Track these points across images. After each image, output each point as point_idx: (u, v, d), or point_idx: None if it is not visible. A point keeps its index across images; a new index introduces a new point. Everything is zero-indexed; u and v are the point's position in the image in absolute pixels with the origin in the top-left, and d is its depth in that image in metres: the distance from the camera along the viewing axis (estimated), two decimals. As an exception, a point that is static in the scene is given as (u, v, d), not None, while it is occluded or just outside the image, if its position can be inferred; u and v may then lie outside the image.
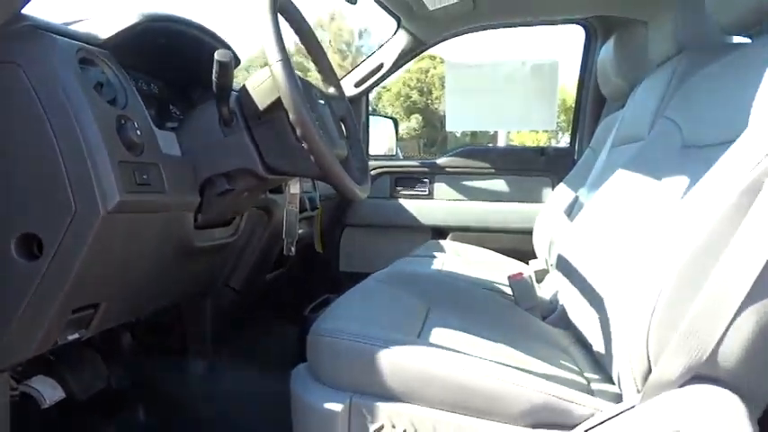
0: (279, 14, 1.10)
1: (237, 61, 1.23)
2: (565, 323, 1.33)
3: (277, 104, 1.02)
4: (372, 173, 2.49)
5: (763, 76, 0.85)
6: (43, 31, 0.87)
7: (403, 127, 26.40)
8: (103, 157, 0.85)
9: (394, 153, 2.81)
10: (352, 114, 1.36)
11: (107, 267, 0.94)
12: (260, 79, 1.05)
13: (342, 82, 2.40)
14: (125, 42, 1.02)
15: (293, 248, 1.36)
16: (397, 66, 2.34)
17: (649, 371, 0.78)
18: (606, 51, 1.96)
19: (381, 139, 2.76)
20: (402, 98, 27.11)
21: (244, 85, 1.08)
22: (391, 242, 2.49)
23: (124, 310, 1.10)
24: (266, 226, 1.50)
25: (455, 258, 1.94)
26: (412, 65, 26.00)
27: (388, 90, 28.08)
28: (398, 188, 2.51)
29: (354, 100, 2.43)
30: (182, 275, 1.23)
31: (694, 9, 1.34)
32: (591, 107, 2.32)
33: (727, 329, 0.70)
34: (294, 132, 1.01)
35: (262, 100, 1.06)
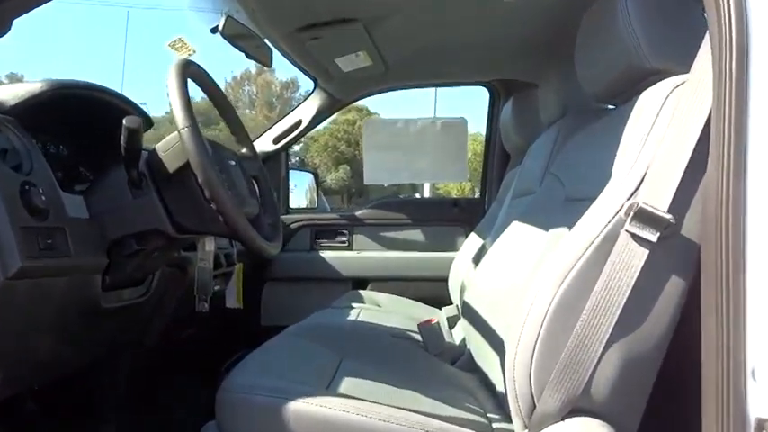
0: (190, 80, 1.16)
1: (150, 124, 1.27)
2: (472, 366, 1.39)
3: (186, 167, 1.06)
4: (293, 226, 2.53)
5: (620, 140, 0.98)
6: None
7: (331, 177, 26.61)
8: (4, 223, 0.86)
9: (315, 206, 2.87)
10: (265, 173, 1.41)
11: (4, 334, 0.93)
12: (170, 143, 1.09)
13: (262, 138, 2.49)
14: (32, 109, 1.04)
15: (206, 305, 1.37)
16: (314, 123, 2.43)
17: (534, 406, 0.85)
18: (506, 112, 2.13)
19: (302, 192, 2.82)
20: (330, 149, 27.43)
21: (154, 149, 1.12)
22: (312, 294, 2.51)
23: (25, 377, 1.08)
24: (180, 283, 1.50)
25: (372, 308, 1.99)
26: (339, 116, 26.47)
27: (315, 141, 28.33)
28: (319, 240, 2.56)
29: (274, 156, 2.49)
30: (90, 337, 1.21)
31: (574, 76, 1.50)
32: (497, 161, 2.48)
33: (597, 363, 0.78)
34: (203, 193, 1.05)
35: (171, 163, 1.10)
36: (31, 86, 1.04)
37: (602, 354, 0.78)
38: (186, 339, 1.75)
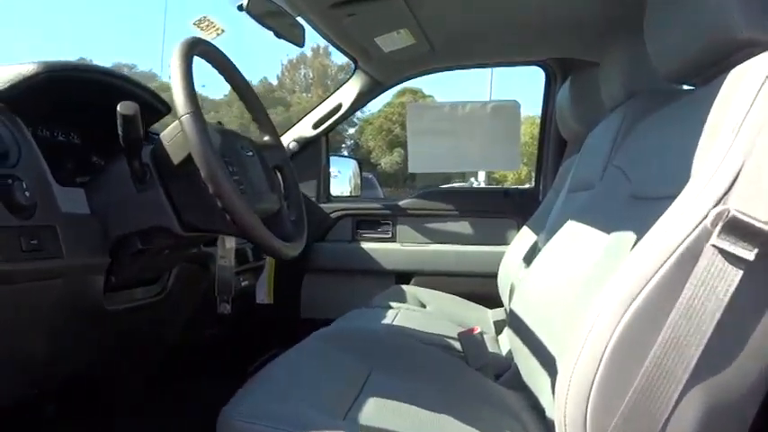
0: (208, 62, 1.04)
1: (168, 109, 1.16)
2: (518, 384, 1.24)
3: (190, 159, 0.94)
4: (333, 215, 2.41)
5: (703, 129, 0.79)
6: None
7: (385, 161, 26.55)
8: None
9: (358, 194, 2.74)
10: (289, 163, 1.29)
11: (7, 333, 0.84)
12: (173, 132, 0.98)
13: (301, 123, 2.38)
14: (26, 95, 0.95)
15: (228, 306, 1.27)
16: (355, 106, 2.29)
17: None
18: (563, 94, 1.93)
19: (344, 180, 2.70)
20: (384, 132, 27.35)
21: (159, 138, 1.01)
22: (354, 287, 2.39)
23: (23, 382, 0.99)
24: (201, 281, 1.40)
25: (412, 309, 1.85)
26: (394, 99, 26.30)
27: (370, 124, 28.34)
28: (361, 231, 2.43)
29: (314, 141, 2.37)
30: (95, 341, 1.13)
31: (642, 53, 1.30)
32: (553, 149, 2.28)
33: (671, 412, 0.62)
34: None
35: (176, 154, 0.99)
36: (22, 68, 0.95)
37: (678, 400, 0.62)
38: (213, 338, 1.65)
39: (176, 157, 0.98)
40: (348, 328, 1.39)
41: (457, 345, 1.44)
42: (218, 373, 1.77)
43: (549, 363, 0.98)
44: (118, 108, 0.90)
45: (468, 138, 2.40)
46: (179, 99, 0.92)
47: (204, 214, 1.00)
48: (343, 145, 29.61)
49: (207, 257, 1.36)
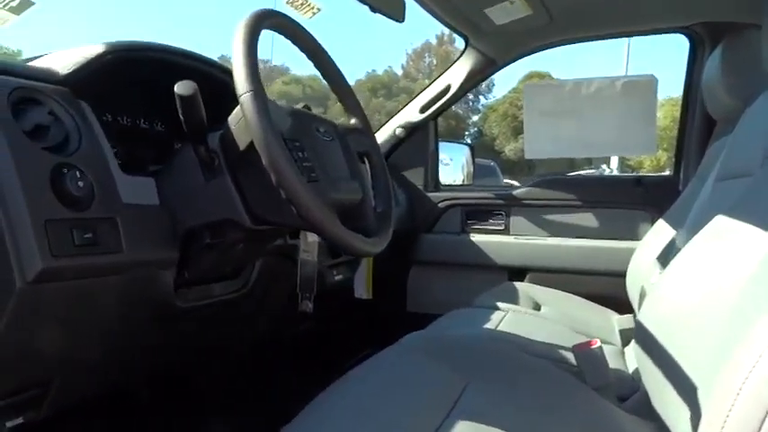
0: (284, 36, 0.93)
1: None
2: (648, 412, 1.02)
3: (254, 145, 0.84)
4: (441, 205, 2.26)
5: None
6: None
7: (509, 148, 25.78)
8: (22, 216, 0.71)
9: (470, 182, 2.56)
10: (377, 149, 1.15)
11: (45, 342, 0.79)
12: (238, 116, 0.88)
13: (408, 107, 2.24)
14: (93, 78, 0.90)
15: (310, 305, 1.17)
16: (464, 88, 2.12)
17: None
18: (712, 64, 1.61)
19: (456, 167, 2.53)
20: (509, 118, 26.58)
21: (227, 122, 0.92)
22: (463, 282, 2.23)
23: (93, 383, 0.96)
24: (290, 275, 1.32)
25: (524, 310, 1.65)
26: (519, 84, 25.41)
27: (494, 111, 27.67)
28: (471, 222, 2.26)
29: (421, 126, 2.23)
30: (165, 341, 1.07)
31: None
32: (698, 128, 1.94)
33: None
34: None
35: (240, 139, 0.89)
36: (87, 51, 0.89)
37: None
38: (307, 334, 1.58)
39: (241, 143, 0.89)
40: (445, 333, 1.24)
41: (570, 355, 1.24)
42: (310, 371, 1.71)
43: (688, 393, 0.77)
44: (175, 88, 0.82)
45: (596, 119, 2.13)
46: (239, 76, 0.82)
47: (272, 206, 0.90)
48: (467, 132, 29.18)
49: (294, 250, 1.27)
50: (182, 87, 0.82)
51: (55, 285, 0.75)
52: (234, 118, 0.89)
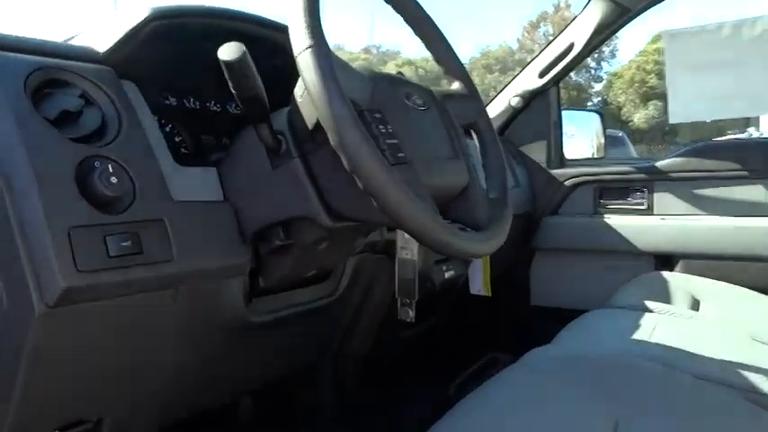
0: None
1: None
2: None
3: None
4: (568, 183, 1.96)
5: None
6: None
7: (638, 116, 23.92)
8: (38, 223, 0.57)
9: (602, 156, 2.22)
10: (487, 118, 0.92)
11: (81, 378, 0.66)
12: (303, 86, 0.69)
13: (525, 72, 1.96)
14: (138, 52, 0.75)
15: (412, 312, 0.97)
16: (591, 46, 1.79)
17: None
18: None
19: (584, 138, 2.21)
20: (637, 84, 24.67)
21: (292, 94, 0.73)
22: (597, 272, 1.92)
23: (155, 415, 0.82)
24: (391, 274, 1.13)
25: (680, 310, 1.34)
26: (647, 46, 23.46)
27: (619, 77, 25.84)
28: (605, 201, 1.93)
29: (541, 93, 1.94)
30: (251, 356, 0.92)
31: None
32: None
33: None
34: None
35: (308, 114, 0.70)
36: (127, 20, 0.75)
37: None
38: (417, 338, 1.38)
39: (309, 119, 0.70)
40: (582, 347, 0.99)
41: (755, 377, 0.94)
42: (425, 379, 1.52)
43: None
44: (219, 53, 0.65)
45: (760, 69, 1.72)
46: (295, 29, 0.63)
47: (351, 198, 0.71)
48: (589, 103, 27.43)
49: (392, 246, 1.08)
50: (226, 51, 0.64)
51: (86, 308, 0.62)
52: (299, 88, 0.71)
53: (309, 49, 0.61)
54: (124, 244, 0.63)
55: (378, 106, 0.71)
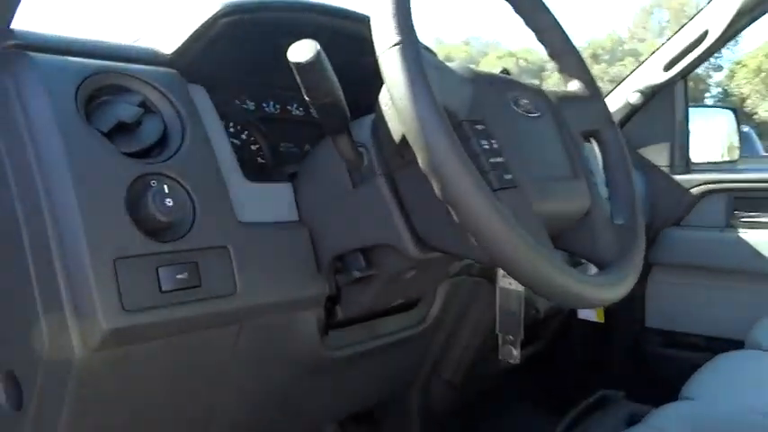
0: None
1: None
2: None
3: None
4: (695, 191, 1.71)
5: None
6: (33, 55, 0.56)
7: (765, 108, 21.84)
8: (80, 253, 0.50)
9: (735, 159, 1.94)
10: (613, 126, 0.76)
11: (132, 425, 0.58)
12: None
13: (647, 63, 1.74)
14: (209, 54, 0.67)
15: (516, 352, 0.84)
16: (729, 34, 1.54)
17: None
18: None
19: (714, 140, 1.94)
20: (764, 73, 22.52)
21: (377, 100, 0.62)
22: (727, 295, 1.67)
23: None
24: (489, 300, 0.99)
25: None
26: (778, 32, 21.38)
27: (743, 66, 23.72)
28: (740, 213, 1.67)
29: (665, 88, 1.70)
30: (326, 393, 0.82)
31: None
32: None
33: None
34: None
35: (394, 125, 0.58)
36: (195, 18, 0.66)
37: None
38: (516, 369, 1.23)
39: (396, 131, 0.58)
40: (719, 408, 0.81)
41: None
42: (522, 412, 1.36)
43: None
44: (288, 54, 0.54)
45: None
46: (379, 23, 0.51)
47: (442, 226, 0.58)
48: (707, 94, 25.36)
49: (491, 270, 0.94)
50: (297, 51, 0.54)
51: (134, 349, 0.54)
52: (385, 94, 0.59)
53: (395, 48, 0.49)
54: (180, 276, 0.55)
55: (479, 115, 0.58)
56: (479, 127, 0.56)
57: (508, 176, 0.55)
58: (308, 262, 0.67)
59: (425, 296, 0.89)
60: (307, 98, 0.57)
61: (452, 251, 0.61)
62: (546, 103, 0.69)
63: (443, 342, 1.00)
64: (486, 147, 0.55)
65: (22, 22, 0.58)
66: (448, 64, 0.61)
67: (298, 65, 0.54)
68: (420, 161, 0.49)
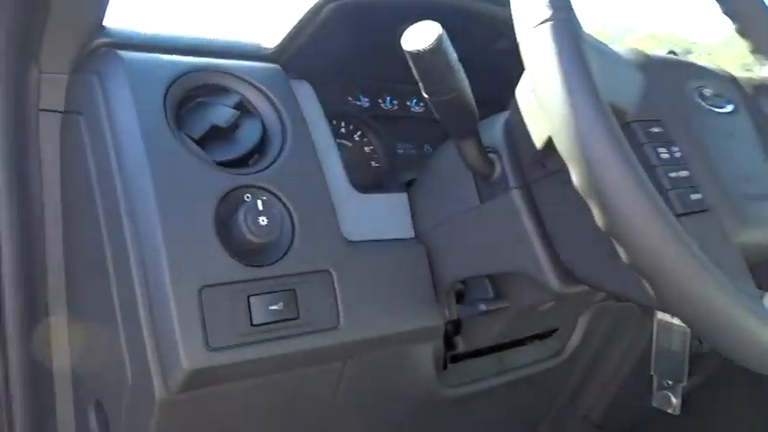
0: None
1: None
2: None
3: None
4: None
5: None
6: (122, 54, 0.50)
7: None
8: (161, 281, 0.43)
9: None
10: None
11: None
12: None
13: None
14: (315, 46, 0.59)
15: (676, 400, 0.68)
16: None
17: None
18: None
19: None
20: None
21: (514, 95, 0.49)
22: None
23: None
24: (641, 324, 0.83)
25: None
26: None
27: None
28: None
29: None
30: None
31: None
32: None
33: None
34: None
35: (535, 127, 0.46)
36: (298, 6, 0.58)
37: None
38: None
39: (539, 133, 0.45)
40: None
41: None
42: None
43: None
44: (402, 42, 0.44)
45: None
46: None
47: (594, 256, 0.45)
48: None
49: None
50: (413, 37, 0.43)
51: (221, 390, 0.47)
52: (526, 86, 0.47)
53: (545, 25, 0.37)
54: (274, 307, 0.47)
55: (654, 113, 0.43)
56: (655, 129, 0.42)
57: (696, 196, 0.41)
58: (424, 287, 0.57)
59: (566, 323, 0.75)
60: (425, 94, 0.46)
61: (608, 289, 0.48)
62: (739, 93, 0.52)
63: (582, 374, 0.86)
64: (666, 156, 0.41)
65: (117, 18, 0.53)
66: (612, 46, 0.47)
67: (414, 53, 0.43)
68: (573, 174, 0.36)
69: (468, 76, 0.47)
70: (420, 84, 0.45)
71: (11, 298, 0.51)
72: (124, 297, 0.46)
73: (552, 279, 0.50)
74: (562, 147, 0.36)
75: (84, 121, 0.50)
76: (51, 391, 0.55)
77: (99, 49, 0.51)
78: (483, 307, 0.55)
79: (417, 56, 0.43)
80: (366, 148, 0.72)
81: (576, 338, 0.76)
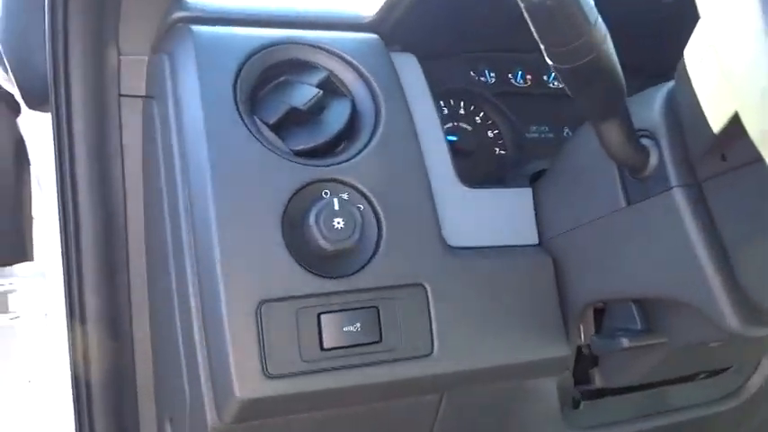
0: None
1: None
2: None
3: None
4: None
5: None
6: (194, 29, 0.44)
7: None
8: (215, 297, 0.37)
9: None
10: None
11: None
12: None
13: None
14: (421, 12, 0.49)
15: None
16: None
17: None
18: None
19: None
20: None
21: (680, 61, 0.35)
22: None
23: None
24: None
25: None
26: None
27: None
28: None
29: None
30: None
31: None
32: None
33: None
34: None
35: (718, 100, 0.32)
36: None
37: None
38: None
39: (716, 112, 0.31)
40: None
41: None
42: None
43: None
44: None
45: None
46: None
47: None
48: None
49: None
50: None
51: (287, 421, 0.40)
52: (696, 45, 0.33)
53: None
54: (350, 328, 0.39)
55: None
56: None
57: None
58: (549, 308, 0.45)
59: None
60: (549, 60, 0.34)
61: None
62: None
63: (763, 420, 0.68)
64: None
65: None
66: None
67: (531, 8, 0.31)
68: None
69: (614, 36, 0.34)
70: (541, 45, 0.34)
71: (91, 292, 0.48)
72: (183, 309, 0.41)
73: (729, 315, 0.35)
74: (756, 128, 0.23)
75: (157, 106, 0.45)
76: (134, 402, 0.52)
77: (176, 25, 0.46)
78: (626, 343, 0.42)
79: (536, 11, 0.31)
80: (490, 132, 0.60)
81: (759, 377, 0.59)
